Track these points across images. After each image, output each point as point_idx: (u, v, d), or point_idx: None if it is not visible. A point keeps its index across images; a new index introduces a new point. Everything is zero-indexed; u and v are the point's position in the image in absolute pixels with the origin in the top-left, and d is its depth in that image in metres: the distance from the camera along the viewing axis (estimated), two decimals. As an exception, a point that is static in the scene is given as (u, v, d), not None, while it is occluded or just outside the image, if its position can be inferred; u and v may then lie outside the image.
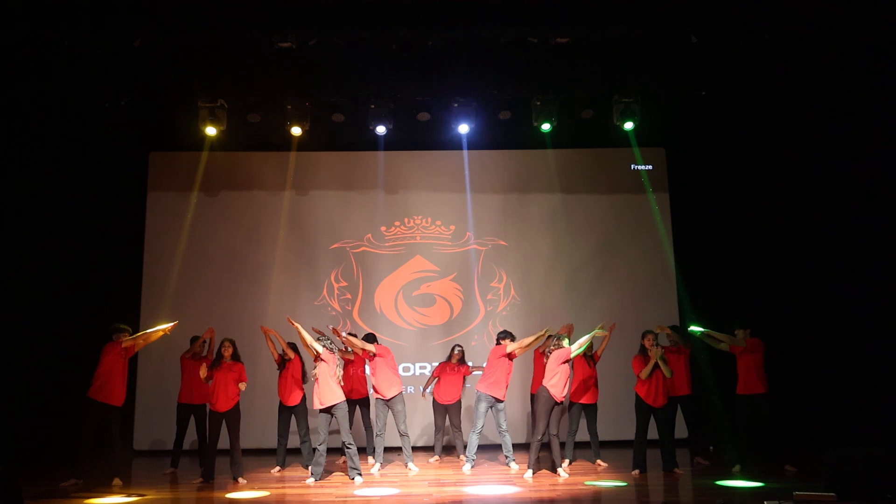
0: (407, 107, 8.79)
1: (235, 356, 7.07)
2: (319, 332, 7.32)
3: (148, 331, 7.13)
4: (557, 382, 6.89)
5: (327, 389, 6.79)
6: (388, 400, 7.47)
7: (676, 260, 9.66)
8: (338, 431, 6.98)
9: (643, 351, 7.08)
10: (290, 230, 9.64)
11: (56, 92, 7.96)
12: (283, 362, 7.59)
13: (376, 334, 8.18)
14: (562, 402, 6.97)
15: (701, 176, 9.77)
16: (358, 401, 7.96)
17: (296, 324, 6.89)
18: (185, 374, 7.60)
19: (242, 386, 6.95)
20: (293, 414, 7.59)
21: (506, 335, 7.60)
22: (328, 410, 6.83)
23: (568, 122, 8.85)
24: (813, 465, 6.78)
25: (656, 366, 6.94)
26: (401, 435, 7.54)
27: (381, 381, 7.47)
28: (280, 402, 7.60)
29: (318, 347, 6.83)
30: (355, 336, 7.89)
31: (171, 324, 7.16)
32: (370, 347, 7.51)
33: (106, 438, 6.92)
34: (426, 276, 9.65)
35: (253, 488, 6.65)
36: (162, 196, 9.58)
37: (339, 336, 7.58)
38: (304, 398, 7.59)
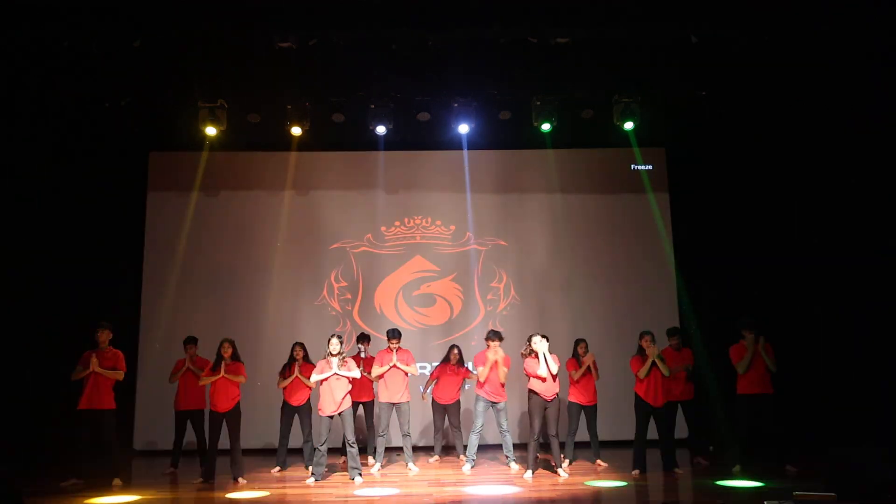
0: (407, 107, 8.78)
1: (235, 356, 7.07)
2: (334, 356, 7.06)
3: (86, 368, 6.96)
4: (535, 384, 6.92)
5: (330, 397, 6.80)
6: (398, 403, 7.48)
7: (676, 260, 9.65)
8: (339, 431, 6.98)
9: (641, 351, 7.08)
10: (290, 230, 9.64)
11: (56, 92, 7.95)
12: (290, 362, 7.56)
13: (374, 334, 8.15)
14: (553, 400, 6.96)
15: (701, 176, 9.75)
16: (361, 402, 7.95)
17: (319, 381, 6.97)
18: (179, 381, 7.63)
19: (241, 379, 6.98)
20: (297, 414, 7.57)
21: (494, 336, 7.38)
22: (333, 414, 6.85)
23: (568, 122, 8.84)
24: (813, 465, 6.78)
25: (654, 364, 6.94)
26: (403, 435, 7.55)
27: (393, 386, 7.47)
28: (284, 402, 7.56)
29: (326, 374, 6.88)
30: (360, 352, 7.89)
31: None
32: (413, 370, 7.54)
33: (104, 440, 6.93)
34: (426, 276, 9.64)
35: (253, 488, 6.65)
36: (162, 196, 9.58)
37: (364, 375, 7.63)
38: (308, 399, 7.56)
